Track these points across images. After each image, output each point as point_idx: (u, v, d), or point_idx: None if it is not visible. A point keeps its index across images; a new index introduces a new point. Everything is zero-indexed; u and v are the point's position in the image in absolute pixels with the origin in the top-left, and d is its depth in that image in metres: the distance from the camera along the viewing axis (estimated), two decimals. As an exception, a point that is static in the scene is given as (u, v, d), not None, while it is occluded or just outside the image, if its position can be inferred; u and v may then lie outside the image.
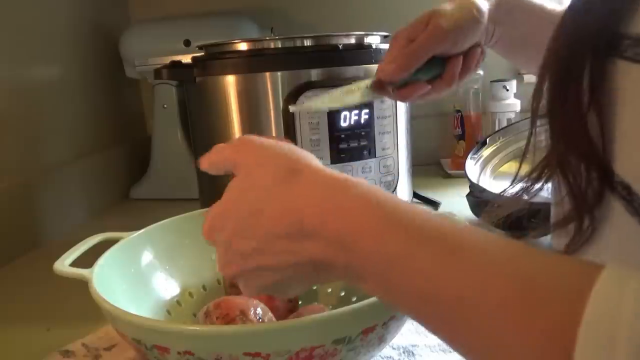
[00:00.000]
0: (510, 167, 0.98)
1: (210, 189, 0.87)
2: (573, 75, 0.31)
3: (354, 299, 0.59)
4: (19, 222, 0.91)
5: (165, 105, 1.20)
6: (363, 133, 0.77)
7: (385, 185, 0.81)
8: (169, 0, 1.34)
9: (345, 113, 0.76)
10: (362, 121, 0.77)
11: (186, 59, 0.85)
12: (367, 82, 0.61)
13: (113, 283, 0.52)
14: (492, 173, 0.97)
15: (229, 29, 1.17)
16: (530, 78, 1.32)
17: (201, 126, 0.85)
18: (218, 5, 1.30)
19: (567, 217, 0.33)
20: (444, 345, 0.53)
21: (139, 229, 0.61)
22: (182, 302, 0.60)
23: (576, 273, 0.24)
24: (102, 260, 0.53)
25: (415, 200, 0.97)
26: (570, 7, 0.33)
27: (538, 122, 0.35)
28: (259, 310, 0.50)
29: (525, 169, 0.37)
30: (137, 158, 1.30)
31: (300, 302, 0.59)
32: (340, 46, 0.76)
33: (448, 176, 1.22)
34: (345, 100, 0.60)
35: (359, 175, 0.77)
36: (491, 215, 0.44)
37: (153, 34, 1.19)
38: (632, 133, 0.29)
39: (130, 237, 0.59)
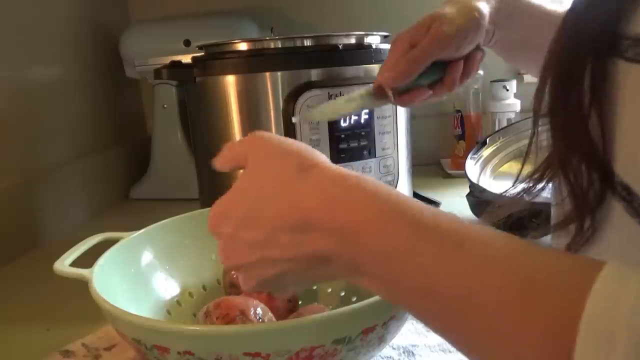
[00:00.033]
0: (510, 167, 0.98)
1: (210, 189, 0.87)
2: (574, 76, 0.31)
3: (354, 299, 0.59)
4: (19, 222, 0.91)
5: (165, 105, 1.20)
6: (363, 133, 0.77)
7: (385, 185, 0.81)
8: (169, 0, 1.34)
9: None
10: (362, 121, 0.77)
11: (186, 59, 0.85)
12: (368, 88, 0.60)
13: (113, 283, 0.52)
14: (492, 173, 0.97)
15: (229, 29, 1.17)
16: (530, 78, 1.32)
17: (201, 126, 0.85)
18: (218, 5, 1.30)
19: (567, 217, 0.33)
20: (444, 345, 0.53)
21: (139, 229, 0.61)
22: (182, 302, 0.60)
23: (577, 270, 0.24)
24: (102, 260, 0.53)
25: (415, 200, 0.97)
26: (571, 9, 0.33)
27: (540, 123, 0.35)
28: (259, 310, 0.50)
29: (527, 169, 0.37)
30: (137, 158, 1.30)
31: (300, 302, 0.59)
32: (340, 46, 0.76)
33: (448, 176, 1.22)
34: (347, 109, 0.60)
35: (359, 175, 0.77)
36: (492, 216, 0.44)
37: (153, 34, 1.19)
38: (632, 133, 0.29)
39: (130, 237, 0.59)
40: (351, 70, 0.78)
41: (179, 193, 1.16)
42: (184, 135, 1.20)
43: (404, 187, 0.86)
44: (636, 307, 0.21)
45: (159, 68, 0.83)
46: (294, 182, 0.34)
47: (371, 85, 0.60)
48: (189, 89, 0.85)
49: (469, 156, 0.96)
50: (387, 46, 0.81)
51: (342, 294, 0.61)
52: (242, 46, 0.79)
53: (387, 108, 0.79)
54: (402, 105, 0.61)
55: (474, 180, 0.88)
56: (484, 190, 0.82)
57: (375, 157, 0.79)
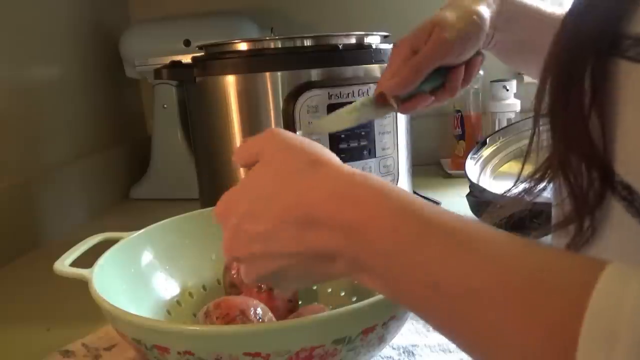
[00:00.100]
0: (511, 167, 0.98)
1: (210, 189, 0.87)
2: (574, 77, 0.31)
3: (354, 299, 0.59)
4: (19, 222, 0.91)
5: (165, 105, 1.20)
6: (363, 133, 0.77)
7: (385, 185, 0.81)
8: (169, 0, 1.34)
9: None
10: (362, 121, 0.77)
11: (186, 59, 0.85)
12: (369, 97, 0.60)
13: (113, 283, 0.52)
14: (492, 173, 0.97)
15: (229, 29, 1.17)
16: (530, 78, 1.32)
17: (201, 126, 0.85)
18: (218, 5, 1.30)
19: (567, 218, 0.33)
20: (444, 345, 0.53)
21: (139, 229, 0.61)
22: (182, 302, 0.60)
23: (579, 269, 0.24)
24: (102, 260, 0.53)
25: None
26: (570, 10, 0.33)
27: (541, 123, 0.35)
28: (259, 310, 0.50)
29: (527, 169, 0.37)
30: (137, 158, 1.30)
31: (300, 302, 0.59)
32: (340, 46, 0.76)
33: (448, 176, 1.22)
34: (351, 121, 0.59)
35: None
36: (492, 216, 0.44)
37: (153, 34, 1.19)
38: (633, 132, 0.29)
39: (130, 237, 0.59)
40: (351, 70, 0.78)
41: (179, 193, 1.16)
42: (184, 135, 1.20)
43: (404, 187, 0.86)
44: (638, 307, 0.21)
45: (159, 68, 0.83)
46: (302, 178, 0.34)
47: (371, 92, 0.59)
48: (189, 89, 0.85)
49: (469, 156, 0.96)
50: (387, 46, 0.81)
51: (342, 294, 0.61)
52: (242, 46, 0.79)
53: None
54: (405, 112, 0.61)
55: (474, 180, 0.88)
56: (484, 190, 0.82)
57: (375, 157, 0.79)
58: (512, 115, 1.21)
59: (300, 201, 0.33)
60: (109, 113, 1.26)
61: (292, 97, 0.75)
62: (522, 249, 0.27)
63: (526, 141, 0.38)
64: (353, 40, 0.79)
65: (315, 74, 0.76)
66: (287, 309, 0.56)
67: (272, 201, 0.34)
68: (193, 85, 0.81)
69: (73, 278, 0.52)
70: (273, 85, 0.77)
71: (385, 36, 0.83)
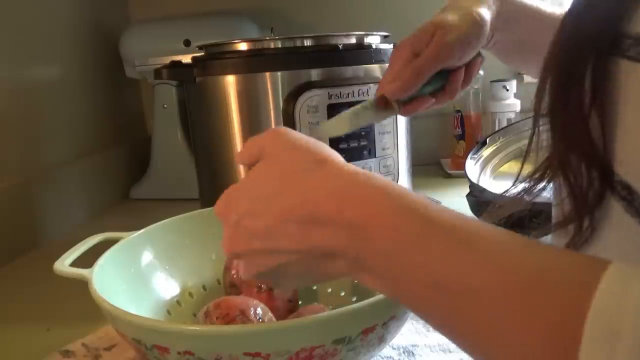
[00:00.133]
0: (510, 167, 0.98)
1: (210, 189, 0.87)
2: (575, 76, 0.31)
3: (354, 299, 0.59)
4: (19, 222, 0.91)
5: (165, 105, 1.20)
6: (363, 133, 0.77)
7: (385, 185, 0.81)
8: (169, 0, 1.34)
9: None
10: (362, 121, 0.77)
11: (186, 59, 0.85)
12: (370, 100, 0.59)
13: (113, 283, 0.52)
14: (492, 173, 0.97)
15: (229, 29, 1.17)
16: (530, 78, 1.32)
17: (201, 126, 0.85)
18: (218, 5, 1.30)
19: (567, 218, 0.33)
20: (444, 345, 0.53)
21: (139, 229, 0.61)
22: (182, 302, 0.60)
23: (581, 269, 0.25)
24: (102, 260, 0.53)
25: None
26: (570, 9, 0.33)
27: (540, 122, 0.35)
28: (259, 310, 0.50)
29: (527, 169, 0.37)
30: (137, 158, 1.30)
31: (300, 302, 0.59)
32: (340, 46, 0.76)
33: (448, 176, 1.22)
34: (353, 124, 0.59)
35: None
36: (492, 216, 0.44)
37: (153, 34, 1.19)
38: (633, 132, 0.29)
39: (130, 237, 0.59)
40: (351, 70, 0.78)
41: (179, 193, 1.16)
42: (184, 135, 1.20)
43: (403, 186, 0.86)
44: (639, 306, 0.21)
45: (159, 68, 0.83)
46: (307, 177, 0.34)
47: (371, 92, 0.59)
48: (189, 89, 0.85)
49: (469, 156, 0.96)
50: (387, 46, 0.81)
51: (342, 294, 0.61)
52: (242, 46, 0.79)
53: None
54: (406, 114, 0.60)
55: (474, 180, 0.88)
56: (484, 190, 0.82)
57: (375, 157, 0.79)
58: (512, 115, 1.21)
59: (304, 200, 0.33)
60: (109, 113, 1.26)
61: (292, 97, 0.75)
62: (523, 248, 0.27)
63: (526, 141, 0.38)
64: (353, 40, 0.79)
65: (315, 74, 0.76)
66: (287, 309, 0.56)
67: (275, 199, 0.34)
68: (193, 85, 0.81)
69: (73, 278, 0.52)
70: (273, 85, 0.77)
71: (385, 36, 0.83)
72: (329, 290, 0.62)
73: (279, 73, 0.76)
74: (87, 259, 0.55)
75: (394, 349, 0.54)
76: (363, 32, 0.80)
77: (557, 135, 0.33)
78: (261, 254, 0.35)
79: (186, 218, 0.65)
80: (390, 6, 1.30)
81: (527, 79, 1.32)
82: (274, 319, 0.51)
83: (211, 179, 0.86)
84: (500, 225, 0.38)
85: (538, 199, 0.38)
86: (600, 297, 0.22)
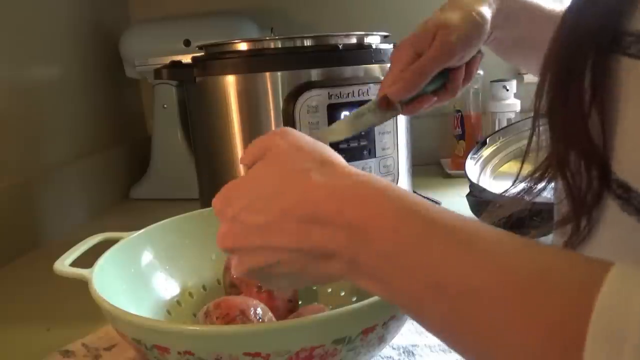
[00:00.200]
0: (510, 167, 0.98)
1: (210, 189, 0.87)
2: (574, 72, 0.31)
3: (354, 299, 0.59)
4: (19, 222, 0.91)
5: (165, 105, 1.20)
6: (363, 133, 0.77)
7: (385, 185, 0.81)
8: (169, 0, 1.34)
9: (345, 112, 0.76)
10: (362, 121, 0.77)
11: (186, 59, 0.85)
12: (374, 101, 0.59)
13: (113, 283, 0.52)
14: (492, 173, 0.97)
15: (229, 29, 1.17)
16: (531, 78, 1.32)
17: (201, 126, 0.85)
18: (218, 5, 1.30)
19: (565, 217, 0.33)
20: (445, 345, 0.53)
21: (139, 229, 0.61)
22: (182, 302, 0.60)
23: (581, 269, 0.24)
24: (102, 260, 0.53)
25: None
26: (570, 5, 0.33)
27: (540, 122, 0.35)
28: (259, 310, 0.50)
29: (527, 169, 0.37)
30: (137, 158, 1.30)
31: (300, 302, 0.59)
32: (340, 46, 0.76)
33: (448, 176, 1.22)
34: (357, 127, 0.59)
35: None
36: (492, 216, 0.44)
37: (153, 34, 1.19)
38: (634, 130, 0.29)
39: (130, 237, 0.59)
40: (351, 70, 0.78)
41: (179, 193, 1.16)
42: (184, 135, 1.20)
43: (403, 187, 0.86)
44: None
45: (159, 68, 0.83)
46: (308, 176, 0.34)
47: (371, 92, 0.59)
48: (189, 89, 0.85)
49: (469, 156, 0.96)
50: (387, 46, 0.81)
51: (342, 294, 0.61)
52: (242, 46, 0.79)
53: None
54: (409, 114, 0.61)
55: (474, 180, 0.88)
56: (484, 190, 0.82)
57: (375, 157, 0.79)
58: (512, 115, 1.21)
59: (305, 199, 0.33)
60: (109, 113, 1.26)
61: (292, 97, 0.75)
62: (523, 249, 0.27)
63: (526, 141, 0.38)
64: (353, 40, 0.79)
65: (315, 74, 0.76)
66: (287, 309, 0.56)
67: (275, 197, 0.34)
68: (193, 85, 0.81)
69: (73, 278, 0.52)
70: (273, 85, 0.77)
71: (385, 36, 0.83)
72: (329, 290, 0.62)
73: (279, 73, 0.76)
74: (87, 259, 0.55)
75: (394, 349, 0.54)
76: (363, 32, 0.80)
77: (556, 133, 0.33)
78: (255, 250, 0.35)
79: (186, 218, 0.65)
80: (390, 6, 1.30)
81: (527, 79, 1.32)
82: (274, 319, 0.51)
83: (211, 179, 0.86)
84: (500, 225, 0.39)
85: (538, 199, 0.38)
86: (604, 297, 0.22)
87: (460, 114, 1.23)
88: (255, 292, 0.56)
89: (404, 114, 0.60)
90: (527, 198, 0.38)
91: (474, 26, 0.56)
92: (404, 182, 0.86)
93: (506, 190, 0.44)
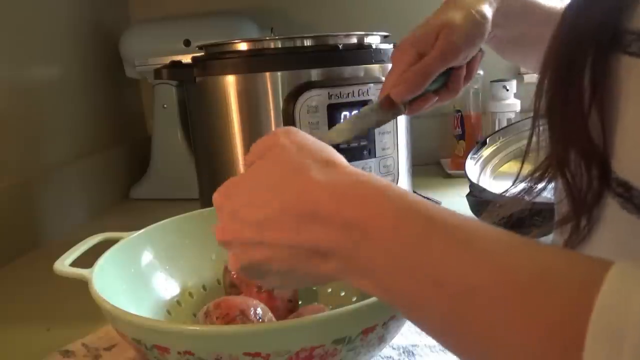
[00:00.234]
0: (510, 167, 0.98)
1: (210, 189, 0.87)
2: (574, 71, 0.31)
3: (354, 299, 0.59)
4: (19, 222, 0.91)
5: (165, 105, 1.20)
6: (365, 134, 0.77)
7: (385, 185, 0.81)
8: (169, 0, 1.34)
9: (345, 113, 0.76)
10: (362, 121, 0.77)
11: (186, 59, 0.85)
12: (376, 102, 0.59)
13: (113, 283, 0.52)
14: (492, 173, 0.97)
15: (229, 29, 1.17)
16: (531, 78, 1.32)
17: (201, 126, 0.85)
18: (218, 5, 1.30)
19: (565, 217, 0.33)
20: (444, 345, 0.53)
21: (139, 229, 0.61)
22: (182, 302, 0.60)
23: (581, 269, 0.24)
24: (102, 260, 0.53)
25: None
26: (571, 3, 0.33)
27: (540, 123, 0.35)
28: (259, 310, 0.50)
29: (527, 169, 0.37)
30: (137, 158, 1.30)
31: (300, 302, 0.59)
32: (340, 46, 0.76)
33: (448, 176, 1.22)
34: (361, 128, 0.59)
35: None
36: (492, 215, 0.44)
37: (153, 34, 1.19)
38: (634, 129, 0.29)
39: (130, 237, 0.59)
40: (351, 70, 0.78)
41: (179, 193, 1.16)
42: (184, 135, 1.20)
43: (404, 187, 0.86)
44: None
45: (159, 68, 0.83)
46: (309, 174, 0.34)
47: (371, 92, 0.59)
48: (189, 89, 0.85)
49: (469, 156, 0.96)
50: (387, 46, 0.81)
51: (342, 294, 0.61)
52: (242, 46, 0.79)
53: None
54: (411, 114, 0.61)
55: (474, 180, 0.88)
56: (484, 190, 0.82)
57: (375, 157, 0.79)
58: (512, 115, 1.21)
59: (305, 196, 0.33)
60: (109, 113, 1.26)
61: (292, 97, 0.75)
62: (523, 248, 0.27)
63: (526, 141, 0.38)
64: (353, 40, 0.79)
65: (315, 74, 0.76)
66: (287, 309, 0.56)
67: (275, 194, 0.34)
68: (193, 85, 0.81)
69: (73, 278, 0.52)
70: (273, 85, 0.77)
71: (385, 36, 0.83)
72: (329, 290, 0.62)
73: (279, 73, 0.76)
74: (87, 259, 0.55)
75: (394, 349, 0.54)
76: (363, 32, 0.80)
77: (556, 133, 0.33)
78: (252, 245, 0.35)
79: (186, 218, 0.65)
80: (390, 6, 1.30)
81: (527, 79, 1.32)
82: (274, 319, 0.51)
83: (211, 179, 0.86)
84: (501, 224, 0.39)
85: (538, 199, 0.38)
86: (604, 297, 0.22)
87: (460, 114, 1.23)
88: (255, 292, 0.56)
89: (406, 113, 0.60)
90: (527, 198, 0.38)
91: (476, 25, 0.56)
92: (404, 182, 0.86)
93: (506, 190, 0.44)
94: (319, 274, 0.34)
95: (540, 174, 0.35)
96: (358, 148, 0.77)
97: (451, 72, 0.59)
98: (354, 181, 0.33)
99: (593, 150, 0.30)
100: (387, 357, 0.52)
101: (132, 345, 0.44)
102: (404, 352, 0.53)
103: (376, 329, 0.42)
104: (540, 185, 0.36)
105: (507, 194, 0.43)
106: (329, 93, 0.75)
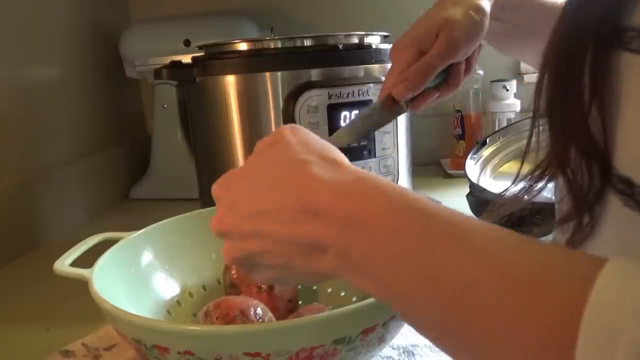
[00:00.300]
0: (510, 167, 0.98)
1: (210, 189, 0.87)
2: (574, 67, 0.31)
3: (354, 299, 0.59)
4: (19, 222, 0.91)
5: (165, 105, 1.20)
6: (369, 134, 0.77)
7: (385, 185, 0.81)
8: (169, 0, 1.34)
9: (345, 113, 0.76)
10: (362, 121, 0.77)
11: (186, 59, 0.85)
12: (377, 103, 0.59)
13: (113, 283, 0.52)
14: (492, 173, 0.97)
15: (229, 29, 1.17)
16: (531, 78, 1.32)
17: (201, 126, 0.85)
18: (218, 5, 1.30)
19: (567, 215, 0.33)
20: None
21: (139, 229, 0.61)
22: (182, 302, 0.60)
23: (579, 266, 0.24)
24: (102, 260, 0.53)
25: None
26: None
27: (540, 123, 0.35)
28: (259, 310, 0.50)
29: (527, 168, 0.37)
30: (137, 158, 1.30)
31: (300, 302, 0.59)
32: (340, 46, 0.76)
33: (448, 176, 1.22)
34: (364, 129, 0.59)
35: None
36: (492, 215, 0.44)
37: (153, 34, 1.20)
38: (636, 125, 0.28)
39: (130, 237, 0.59)
40: (351, 70, 0.78)
41: (179, 193, 1.16)
42: (184, 135, 1.20)
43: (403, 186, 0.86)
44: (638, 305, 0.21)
45: (159, 68, 0.83)
46: (308, 169, 0.34)
47: (371, 92, 0.59)
48: (189, 89, 0.85)
49: (469, 156, 0.96)
50: (387, 46, 0.81)
51: (342, 294, 0.61)
52: (242, 46, 0.79)
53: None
54: (413, 111, 0.61)
55: (474, 180, 0.88)
56: (484, 190, 0.82)
57: (375, 157, 0.79)
58: (512, 115, 1.21)
59: (303, 190, 0.33)
60: (109, 113, 1.26)
61: (292, 97, 0.75)
62: (522, 246, 0.26)
63: (526, 141, 0.38)
64: (353, 40, 0.79)
65: (315, 74, 0.76)
66: (287, 309, 0.56)
67: (274, 186, 0.34)
68: (193, 85, 0.81)
69: (73, 278, 0.52)
70: (273, 85, 0.77)
71: (385, 36, 0.83)
72: (329, 290, 0.62)
73: (279, 73, 0.76)
74: (87, 259, 0.55)
75: (394, 349, 0.54)
76: (363, 32, 0.80)
77: (556, 130, 0.33)
78: (248, 236, 0.35)
79: (186, 218, 0.65)
80: (390, 6, 1.30)
81: (527, 79, 1.32)
82: (274, 319, 0.51)
83: (211, 179, 0.85)
84: (501, 223, 0.39)
85: (537, 199, 0.38)
86: (597, 293, 0.22)
87: (460, 114, 1.23)
88: (255, 292, 0.56)
89: (408, 112, 0.60)
90: (527, 197, 0.38)
91: (477, 21, 0.56)
92: (404, 182, 0.86)
93: (506, 189, 0.44)
94: (316, 270, 0.33)
95: (540, 172, 0.35)
96: (358, 148, 0.77)
97: (451, 68, 0.59)
98: (355, 179, 0.33)
99: (593, 147, 0.30)
100: (387, 357, 0.52)
101: (132, 345, 0.44)
102: (404, 352, 0.53)
103: (376, 329, 0.42)
104: (540, 184, 0.36)
105: (507, 193, 0.43)
106: (329, 93, 0.75)
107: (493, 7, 0.58)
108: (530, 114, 0.37)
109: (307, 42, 0.77)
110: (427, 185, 1.10)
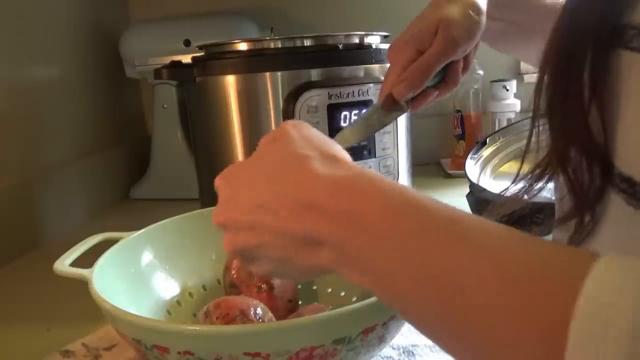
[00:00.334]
0: (510, 167, 0.98)
1: (210, 189, 0.87)
2: (574, 66, 0.30)
3: (354, 299, 0.59)
4: (19, 222, 0.91)
5: (165, 105, 1.20)
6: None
7: (385, 185, 0.81)
8: (169, 0, 1.34)
9: (345, 113, 0.76)
10: (362, 121, 0.77)
11: (186, 59, 0.85)
12: (378, 104, 0.60)
13: (113, 283, 0.52)
14: (492, 173, 0.97)
15: (229, 29, 1.17)
16: (531, 78, 1.32)
17: (201, 126, 0.85)
18: (218, 5, 1.30)
19: (568, 213, 0.33)
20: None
21: (139, 229, 0.61)
22: (182, 302, 0.60)
23: (577, 263, 0.24)
24: (102, 260, 0.53)
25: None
26: None
27: (540, 123, 0.35)
28: (259, 310, 0.50)
29: (527, 168, 0.37)
30: (137, 158, 1.30)
31: (300, 302, 0.59)
32: (340, 46, 0.76)
33: (448, 176, 1.22)
34: (366, 130, 0.59)
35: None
36: (493, 214, 0.44)
37: (153, 34, 1.20)
38: (637, 124, 0.28)
39: (130, 237, 0.59)
40: (351, 70, 0.78)
41: (179, 193, 1.16)
42: (184, 135, 1.20)
43: (404, 187, 0.86)
44: (632, 297, 0.21)
45: (159, 68, 0.83)
46: (309, 163, 0.34)
47: (371, 92, 0.59)
48: (189, 89, 0.85)
49: (469, 156, 0.96)
50: (387, 46, 0.81)
51: (342, 294, 0.61)
52: (242, 46, 0.79)
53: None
54: (414, 110, 0.61)
55: (474, 180, 0.88)
56: (484, 190, 0.82)
57: (375, 157, 0.79)
58: (512, 115, 1.21)
59: (302, 184, 0.33)
60: (109, 113, 1.26)
61: (292, 97, 0.75)
62: (522, 243, 0.26)
63: (526, 141, 0.38)
64: (353, 40, 0.79)
65: (315, 74, 0.76)
66: (287, 309, 0.56)
67: (274, 179, 0.34)
68: (193, 85, 0.81)
69: (73, 278, 0.52)
70: (273, 85, 0.77)
71: (385, 36, 0.83)
72: (329, 290, 0.62)
73: (279, 73, 0.76)
74: (87, 259, 0.55)
75: (394, 349, 0.54)
76: (363, 32, 0.80)
77: (556, 130, 0.33)
78: (248, 228, 0.35)
79: (186, 218, 0.65)
80: (390, 6, 1.30)
81: (527, 78, 1.32)
82: (274, 319, 0.51)
83: (211, 179, 0.85)
84: (502, 223, 0.39)
85: (537, 198, 0.38)
86: (587, 289, 0.22)
87: (460, 114, 1.23)
88: (255, 292, 0.56)
89: (409, 111, 0.60)
90: (526, 196, 0.38)
91: (474, 19, 0.56)
92: (404, 182, 0.86)
93: (506, 189, 0.44)
94: (315, 264, 0.33)
95: (540, 171, 0.35)
96: (358, 148, 0.77)
97: (449, 67, 0.59)
98: (354, 175, 0.33)
99: (594, 145, 0.30)
100: (387, 357, 0.52)
101: (132, 345, 0.44)
102: (404, 352, 0.53)
103: (376, 329, 0.42)
104: (540, 184, 0.36)
105: (507, 193, 0.43)
106: (329, 93, 0.75)
107: (488, 4, 0.58)
108: (530, 114, 0.37)
109: (307, 42, 0.77)
110: (427, 185, 1.10)
